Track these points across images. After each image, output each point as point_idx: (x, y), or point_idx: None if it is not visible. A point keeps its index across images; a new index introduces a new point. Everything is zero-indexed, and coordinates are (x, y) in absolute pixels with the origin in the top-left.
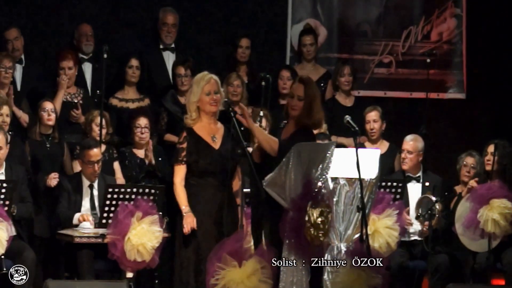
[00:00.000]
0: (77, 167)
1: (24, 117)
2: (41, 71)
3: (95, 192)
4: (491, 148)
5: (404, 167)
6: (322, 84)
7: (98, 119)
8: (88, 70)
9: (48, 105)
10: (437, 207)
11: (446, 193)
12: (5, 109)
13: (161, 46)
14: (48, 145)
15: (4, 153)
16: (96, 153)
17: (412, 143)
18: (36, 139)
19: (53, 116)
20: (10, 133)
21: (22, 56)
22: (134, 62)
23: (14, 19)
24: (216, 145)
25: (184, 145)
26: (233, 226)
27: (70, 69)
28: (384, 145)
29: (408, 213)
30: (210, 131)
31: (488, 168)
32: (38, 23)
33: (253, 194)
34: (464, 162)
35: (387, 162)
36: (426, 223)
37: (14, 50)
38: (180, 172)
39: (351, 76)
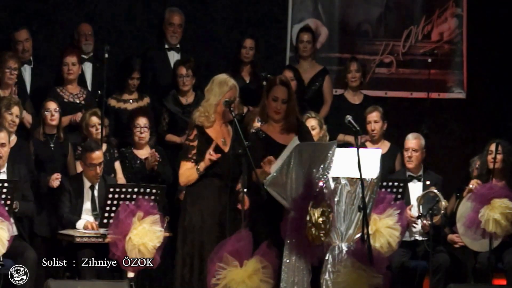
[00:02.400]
0: (80, 167)
1: (27, 117)
2: (49, 71)
3: (96, 193)
4: (493, 147)
5: (409, 166)
6: (317, 83)
7: (92, 121)
8: (88, 70)
9: (51, 105)
10: (443, 203)
11: (457, 194)
12: (16, 110)
13: (166, 46)
14: (52, 145)
15: (7, 151)
16: (98, 155)
17: (415, 140)
18: (40, 139)
19: (56, 116)
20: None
21: (31, 57)
22: (136, 75)
23: (18, 20)
24: (226, 148)
25: (195, 143)
26: (235, 227)
27: (74, 64)
28: (385, 145)
29: (411, 210)
30: (221, 134)
31: (491, 167)
32: (42, 23)
33: (253, 194)
34: (477, 166)
35: (388, 162)
36: (428, 219)
37: (24, 51)
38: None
39: (358, 72)
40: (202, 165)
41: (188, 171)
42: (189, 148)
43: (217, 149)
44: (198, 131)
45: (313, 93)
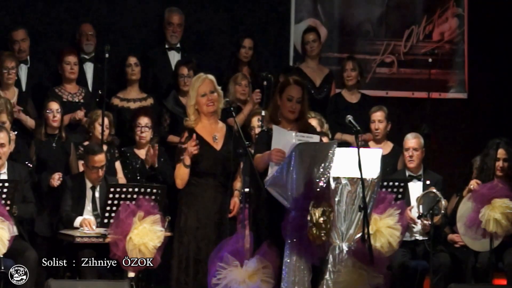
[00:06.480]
0: (82, 167)
1: (30, 122)
2: (46, 71)
3: (97, 194)
4: (501, 154)
5: (411, 166)
6: (325, 89)
7: (101, 120)
8: (89, 70)
9: (53, 106)
10: (443, 203)
11: (457, 194)
12: (2, 117)
13: (166, 46)
14: (54, 145)
15: (7, 151)
16: (100, 158)
17: (415, 140)
18: (41, 140)
19: (58, 116)
20: (15, 132)
21: (28, 57)
22: (132, 60)
23: (18, 18)
24: (218, 145)
25: (186, 145)
26: (231, 226)
27: (76, 64)
28: (388, 146)
29: (410, 211)
30: (211, 131)
31: (500, 174)
32: (41, 22)
33: (254, 194)
34: (477, 166)
35: (390, 163)
36: (428, 219)
37: (21, 51)
38: None
39: (354, 71)
40: (186, 158)
41: (179, 170)
42: (181, 151)
43: (207, 146)
44: (188, 132)
45: (322, 99)
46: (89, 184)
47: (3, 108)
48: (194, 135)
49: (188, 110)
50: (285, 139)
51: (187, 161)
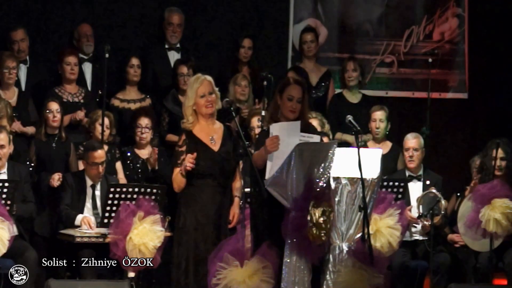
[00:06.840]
0: (82, 166)
1: (31, 131)
2: (45, 71)
3: (97, 192)
4: (500, 154)
5: (411, 166)
6: (323, 84)
7: (101, 120)
8: (88, 70)
9: (53, 106)
10: (443, 203)
11: (457, 194)
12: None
13: (166, 46)
14: (54, 145)
15: (7, 152)
16: (100, 154)
17: (415, 140)
18: (41, 140)
19: (58, 116)
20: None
21: (27, 57)
22: (135, 61)
23: (18, 18)
24: (215, 146)
25: (183, 148)
26: (232, 227)
27: (76, 65)
28: (387, 146)
29: (410, 211)
30: (209, 132)
31: (498, 174)
32: (41, 22)
33: (254, 194)
34: (476, 166)
35: (390, 163)
36: (428, 219)
37: (20, 51)
38: None
39: (355, 71)
40: (183, 169)
41: (176, 177)
42: (178, 154)
43: (205, 148)
44: (185, 135)
45: (320, 97)
46: (89, 182)
47: (4, 114)
48: (195, 154)
49: (186, 111)
50: (284, 133)
51: (184, 171)
